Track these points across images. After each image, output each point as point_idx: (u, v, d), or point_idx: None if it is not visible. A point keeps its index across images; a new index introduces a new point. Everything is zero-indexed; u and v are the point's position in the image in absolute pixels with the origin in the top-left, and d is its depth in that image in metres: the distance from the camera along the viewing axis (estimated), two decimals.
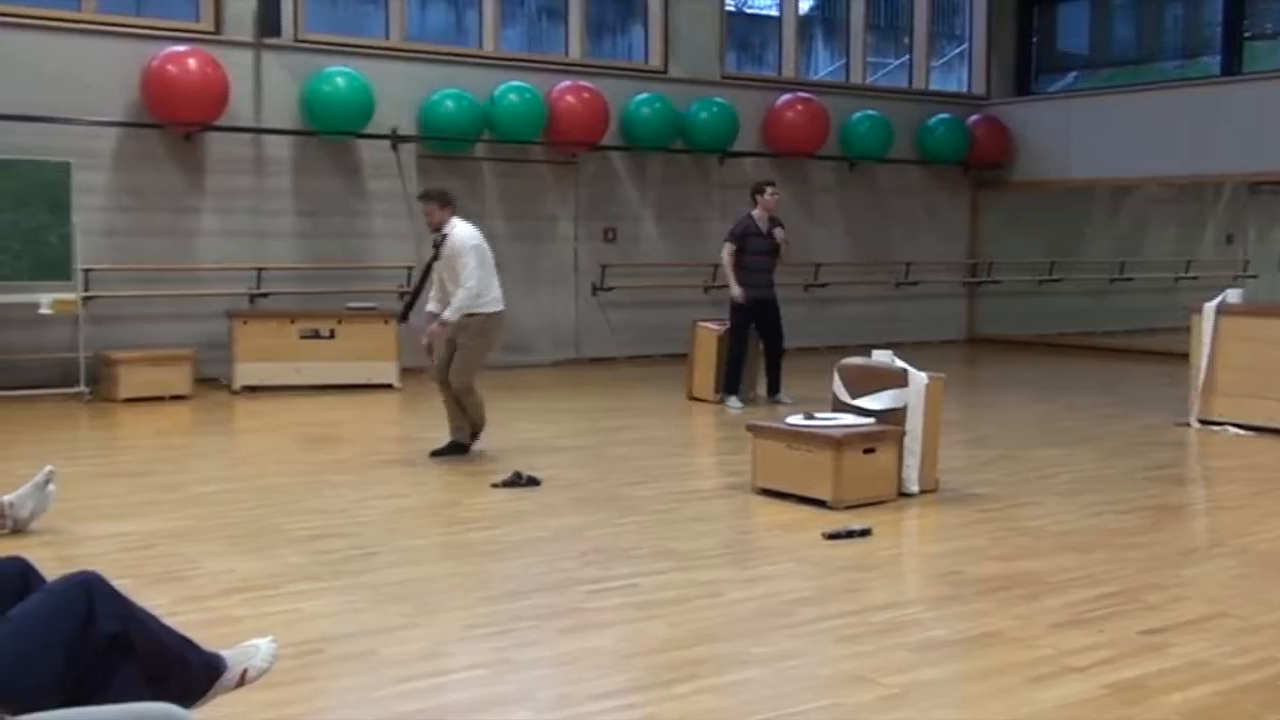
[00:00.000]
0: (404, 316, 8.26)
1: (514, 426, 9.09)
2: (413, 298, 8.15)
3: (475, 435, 8.08)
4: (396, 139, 12.49)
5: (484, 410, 8.07)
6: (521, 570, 5.42)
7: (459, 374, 7.84)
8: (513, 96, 12.76)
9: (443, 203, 7.92)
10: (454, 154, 12.89)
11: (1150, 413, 10.20)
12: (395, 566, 5.42)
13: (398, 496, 6.95)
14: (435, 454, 8.01)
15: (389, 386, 11.36)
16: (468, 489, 7.15)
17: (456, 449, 8.02)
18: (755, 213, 10.51)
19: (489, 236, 8.12)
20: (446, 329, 7.83)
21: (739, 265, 10.42)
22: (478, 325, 7.86)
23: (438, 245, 7.90)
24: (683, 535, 6.03)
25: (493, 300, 7.89)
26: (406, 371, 11.46)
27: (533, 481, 7.16)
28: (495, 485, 7.11)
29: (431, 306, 8.07)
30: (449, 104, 12.52)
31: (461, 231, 7.87)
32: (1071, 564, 5.53)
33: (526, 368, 13.07)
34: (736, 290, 10.38)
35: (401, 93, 12.51)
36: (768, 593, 5.06)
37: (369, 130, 12.26)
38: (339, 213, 12.49)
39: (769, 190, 10.52)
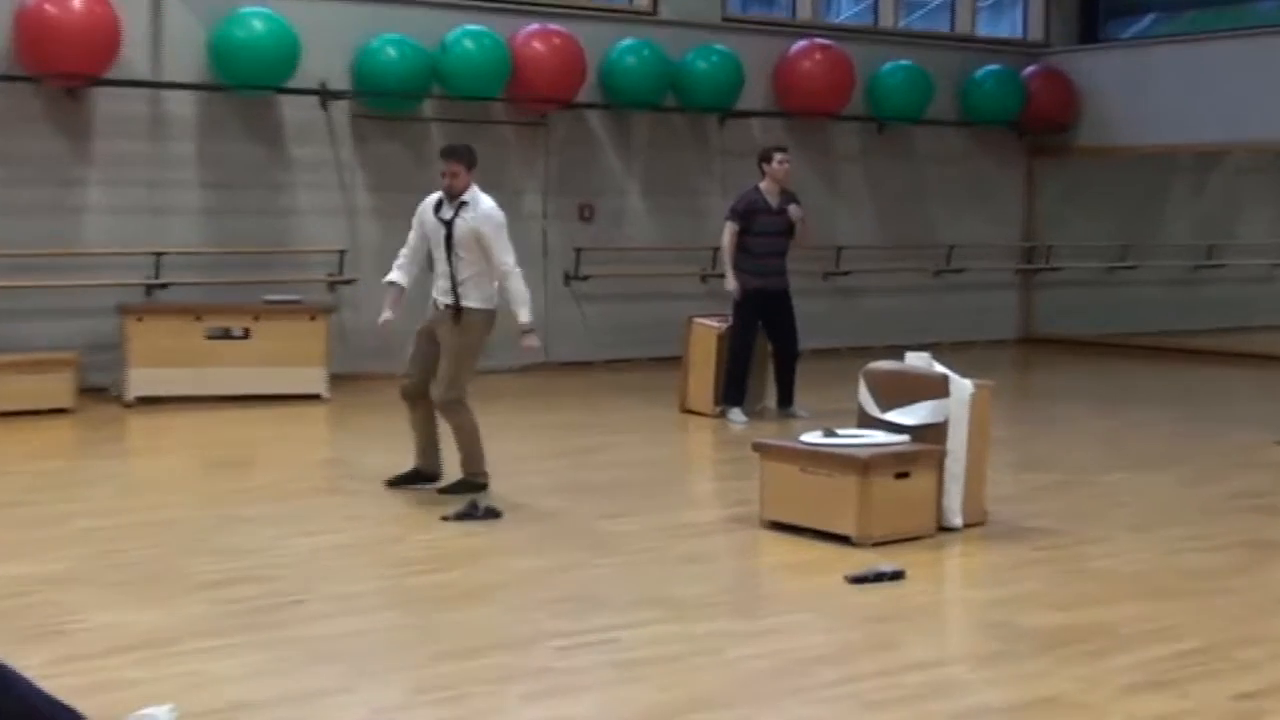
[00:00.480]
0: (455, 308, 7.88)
1: None
2: (453, 287, 7.75)
3: (476, 483, 7.64)
4: (326, 95, 12.48)
5: (478, 436, 7.71)
6: (478, 622, 5.41)
7: (447, 384, 7.62)
8: (468, 43, 12.76)
9: (470, 164, 7.85)
10: (396, 113, 12.88)
11: (1243, 429, 10.23)
12: (324, 618, 5.40)
13: (327, 532, 6.93)
14: (393, 482, 7.89)
15: (316, 397, 11.33)
16: (413, 523, 7.13)
17: (420, 478, 7.87)
18: (763, 185, 10.53)
19: None
20: (534, 337, 7.85)
21: (742, 249, 10.42)
22: (479, 322, 7.72)
23: (450, 220, 7.70)
24: (674, 579, 6.03)
25: (496, 293, 7.80)
26: (338, 379, 11.44)
27: (491, 514, 7.15)
28: (446, 518, 7.09)
29: (394, 275, 7.94)
30: (390, 52, 12.51)
31: (489, 204, 7.84)
32: (1146, 613, 5.55)
33: (484, 374, 13.02)
34: (732, 282, 10.37)
35: (332, 39, 12.48)
36: (779, 649, 5.05)
37: (292, 85, 12.23)
38: (256, 186, 12.47)
39: (779, 157, 10.52)
